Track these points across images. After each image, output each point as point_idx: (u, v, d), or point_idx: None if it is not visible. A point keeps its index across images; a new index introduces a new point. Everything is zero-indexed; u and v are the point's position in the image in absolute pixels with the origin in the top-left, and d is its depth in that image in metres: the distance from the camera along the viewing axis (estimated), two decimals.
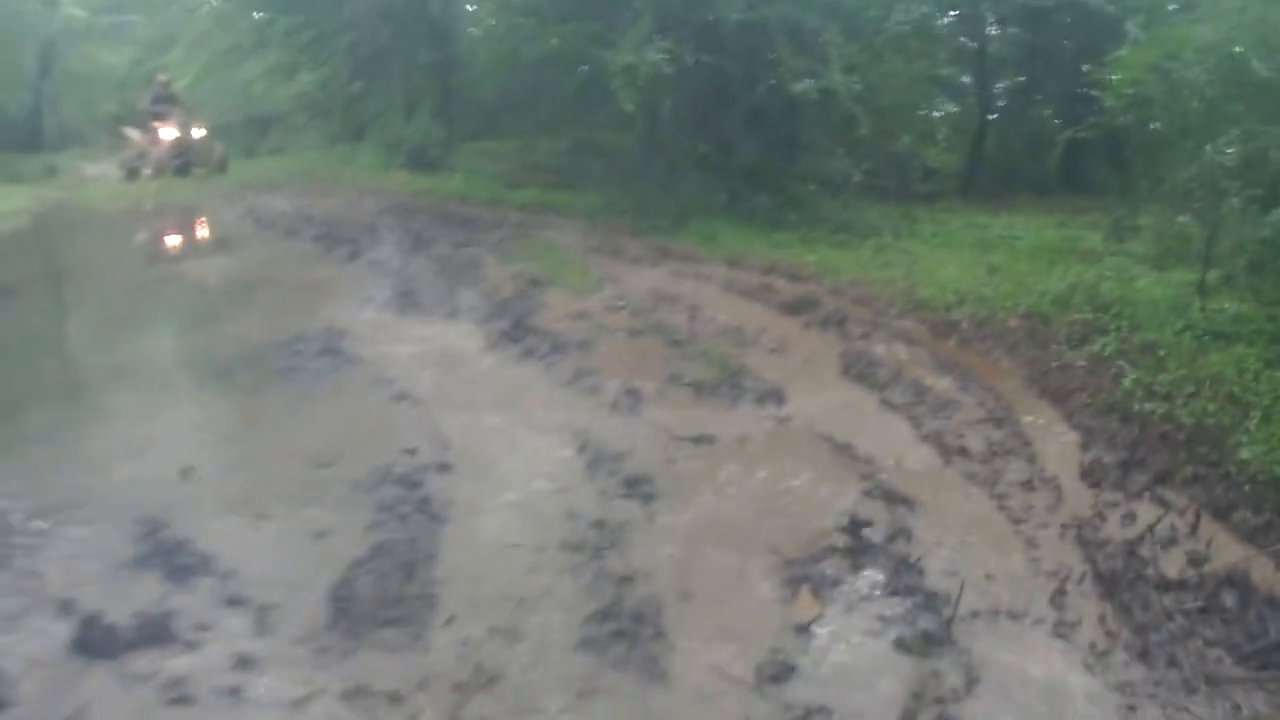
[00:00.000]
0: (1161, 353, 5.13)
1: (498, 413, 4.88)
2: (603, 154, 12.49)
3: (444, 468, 4.13)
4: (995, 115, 13.74)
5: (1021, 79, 13.85)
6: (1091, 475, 4.02)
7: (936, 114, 14.04)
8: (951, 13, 12.34)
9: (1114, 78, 6.56)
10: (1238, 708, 2.78)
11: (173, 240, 11.92)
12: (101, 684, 2.94)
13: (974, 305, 6.22)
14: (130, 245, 11.71)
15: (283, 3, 19.48)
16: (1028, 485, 3.95)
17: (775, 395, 5.02)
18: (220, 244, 10.20)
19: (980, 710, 2.75)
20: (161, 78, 18.81)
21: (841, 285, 7.07)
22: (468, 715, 2.70)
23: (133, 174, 18.37)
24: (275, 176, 16.03)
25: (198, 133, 18.00)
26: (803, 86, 8.16)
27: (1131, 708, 2.77)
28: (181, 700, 2.78)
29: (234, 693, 2.82)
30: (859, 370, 5.40)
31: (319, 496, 3.88)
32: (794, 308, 6.66)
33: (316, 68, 20.64)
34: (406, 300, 7.30)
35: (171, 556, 3.49)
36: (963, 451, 4.29)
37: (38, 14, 23.19)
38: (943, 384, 5.12)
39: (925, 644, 2.99)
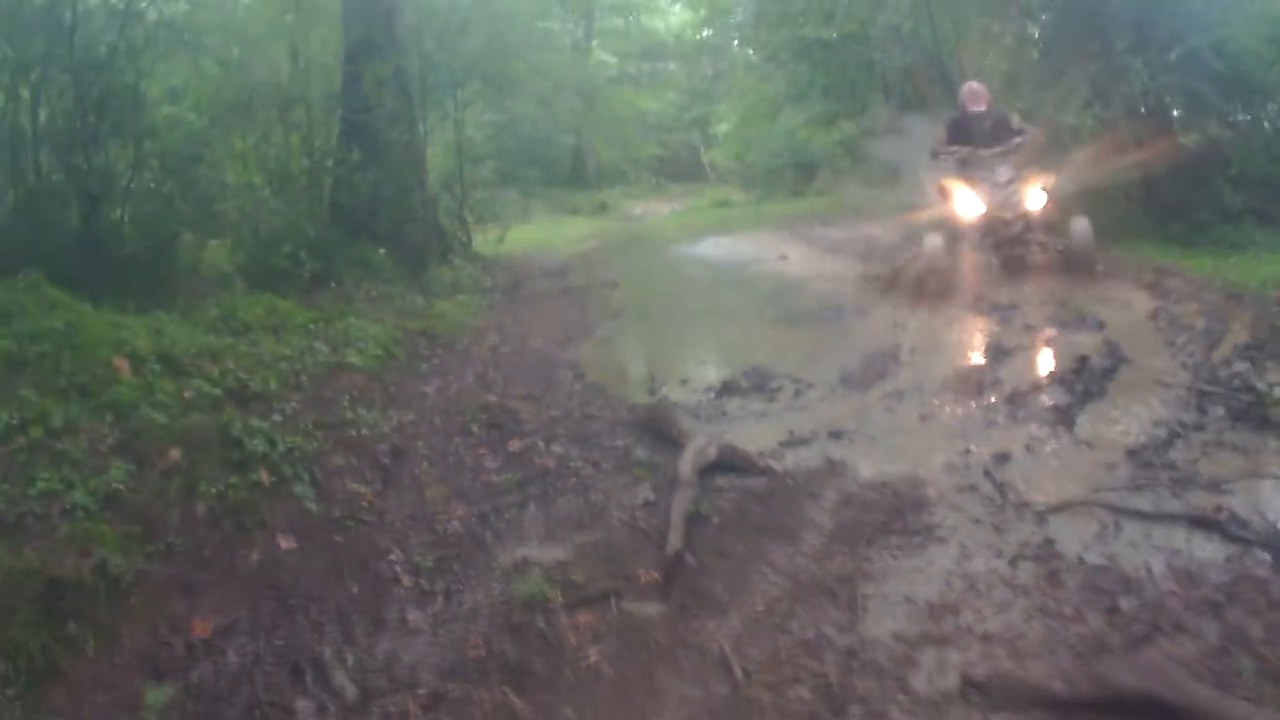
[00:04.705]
0: None
1: None
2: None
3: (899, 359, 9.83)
4: None
5: None
6: (1235, 353, 8.68)
7: None
8: None
9: None
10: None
11: (739, 258, 18.14)
12: (732, 406, 8.15)
13: (1264, 287, 10.69)
14: (703, 260, 18.15)
15: (818, 60, 24.65)
16: (1194, 355, 8.67)
17: (1099, 324, 10.07)
18: (780, 258, 16.46)
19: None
20: (977, 97, 11.82)
21: (1190, 276, 11.56)
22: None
23: (894, 280, 12.16)
24: (827, 212, 22.09)
25: (1035, 199, 11.29)
26: (1189, 138, 12.68)
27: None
28: (771, 398, 8.39)
29: (795, 398, 8.30)
30: (1157, 315, 10.23)
31: (844, 361, 9.56)
32: (1148, 286, 11.45)
33: (854, 118, 26.09)
34: None
35: (764, 373, 8.99)
36: (1174, 344, 9.08)
37: (572, 61, 26.73)
38: (1200, 322, 9.80)
39: (1097, 394, 8.07)
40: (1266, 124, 13.92)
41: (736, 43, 27.53)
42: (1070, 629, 4.56)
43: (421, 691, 4.21)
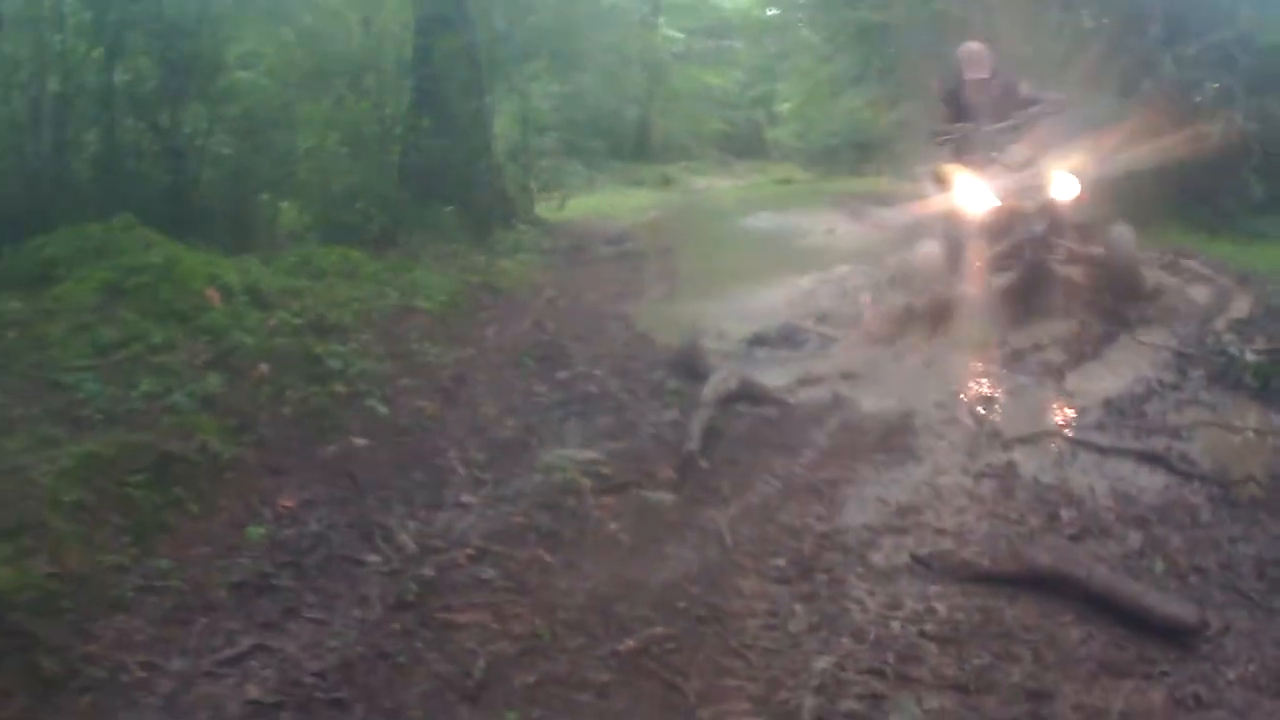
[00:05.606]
0: None
1: None
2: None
3: None
4: None
5: None
6: (1227, 326, 9.46)
7: None
8: None
9: None
10: None
11: (790, 231, 19.01)
12: (761, 354, 8.98)
13: (1274, 272, 11.35)
14: (757, 231, 19.02)
15: (875, 43, 24.95)
16: (1188, 327, 9.42)
17: None
18: (828, 231, 17.26)
19: None
20: (976, 61, 9.17)
21: (1207, 259, 12.26)
22: None
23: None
24: (883, 192, 22.42)
25: (1063, 186, 8.80)
26: (1216, 129, 13.39)
27: None
28: (797, 348, 9.43)
29: (821, 346, 9.29)
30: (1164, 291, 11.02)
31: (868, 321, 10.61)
32: (1164, 266, 12.11)
33: (914, 100, 26.51)
34: None
35: (794, 328, 9.79)
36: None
37: (640, 35, 27.53)
38: (1203, 299, 10.61)
39: (1091, 355, 8.93)
40: None
41: (800, 23, 27.79)
42: (1012, 528, 5.52)
43: (470, 550, 5.24)
